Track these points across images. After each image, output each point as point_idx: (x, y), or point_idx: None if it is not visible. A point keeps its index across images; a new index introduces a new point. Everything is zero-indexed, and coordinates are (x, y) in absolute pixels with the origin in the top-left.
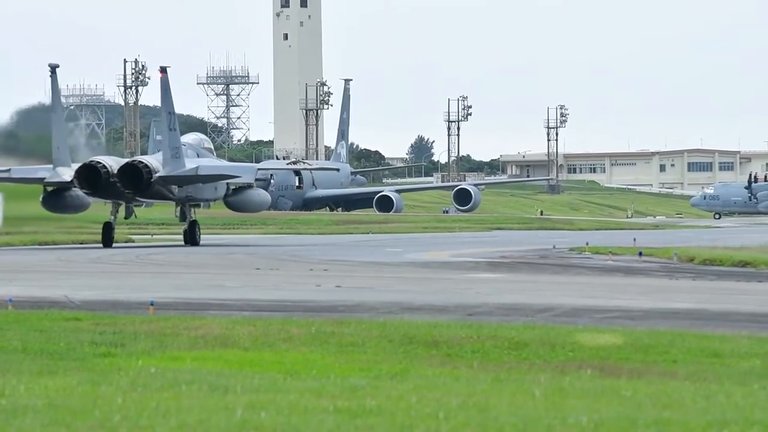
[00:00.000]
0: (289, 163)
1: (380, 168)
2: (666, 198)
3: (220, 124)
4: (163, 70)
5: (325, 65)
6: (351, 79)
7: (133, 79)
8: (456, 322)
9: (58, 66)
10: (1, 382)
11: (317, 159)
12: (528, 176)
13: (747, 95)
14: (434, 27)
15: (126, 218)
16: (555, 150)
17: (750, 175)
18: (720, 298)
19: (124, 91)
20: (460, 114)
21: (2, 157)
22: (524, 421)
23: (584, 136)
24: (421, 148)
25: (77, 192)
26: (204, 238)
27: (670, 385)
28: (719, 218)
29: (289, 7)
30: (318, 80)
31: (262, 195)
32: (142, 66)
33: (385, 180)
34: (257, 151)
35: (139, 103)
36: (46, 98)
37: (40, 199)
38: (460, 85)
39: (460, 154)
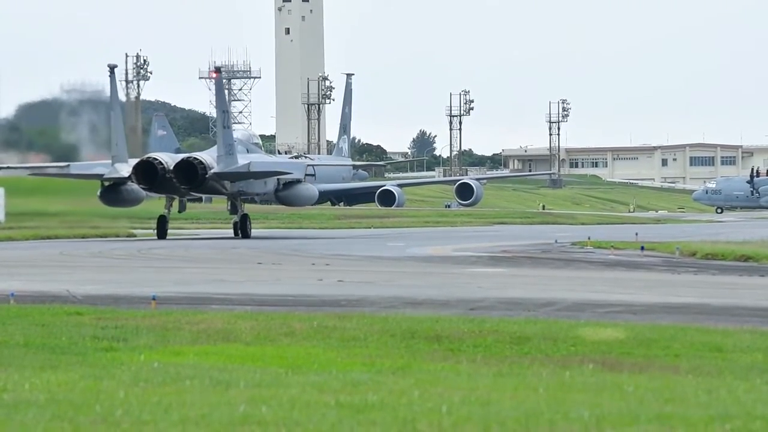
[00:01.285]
0: (291, 158)
1: (382, 163)
2: (668, 192)
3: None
4: (218, 70)
5: (327, 60)
6: (353, 74)
7: (135, 74)
8: (458, 317)
9: (116, 66)
10: (3, 377)
11: (319, 153)
12: (530, 171)
13: (749, 90)
14: (436, 21)
15: (179, 212)
16: (557, 144)
17: (752, 169)
18: (722, 292)
19: (126, 86)
20: (462, 108)
21: (4, 151)
22: (526, 416)
23: (586, 131)
24: (423, 142)
25: (133, 186)
26: (209, 232)
27: (672, 380)
28: (721, 213)
29: (290, 1)
30: (320, 74)
31: (310, 190)
32: (144, 60)
33: (387, 174)
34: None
35: (141, 98)
36: (47, 93)
37: (98, 193)
38: (462, 80)
39: (462, 149)
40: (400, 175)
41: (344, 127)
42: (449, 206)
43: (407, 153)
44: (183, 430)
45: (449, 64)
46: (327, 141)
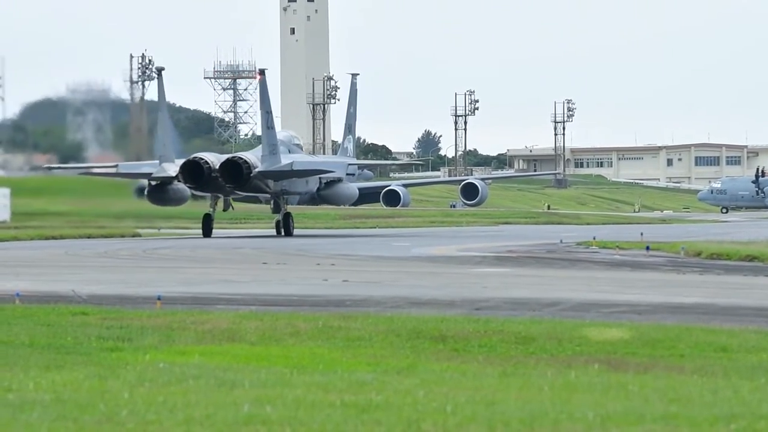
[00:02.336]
0: None
1: (386, 162)
2: (673, 192)
3: (227, 119)
4: (262, 72)
5: (332, 59)
6: (358, 74)
7: (140, 74)
8: (463, 317)
9: (164, 69)
10: (8, 377)
11: (324, 153)
12: (535, 171)
13: (755, 90)
14: (441, 21)
15: (224, 211)
16: (562, 144)
17: (757, 169)
18: (727, 292)
19: (131, 86)
20: (467, 108)
21: (9, 151)
22: (531, 416)
23: (591, 131)
24: (428, 142)
25: (179, 186)
26: (216, 232)
27: (677, 380)
28: (726, 212)
29: (296, 1)
30: (325, 74)
31: (351, 188)
32: (149, 61)
33: (392, 174)
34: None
35: (146, 98)
36: (52, 92)
37: (146, 192)
38: (467, 80)
39: (467, 149)
40: (405, 175)
41: (349, 127)
42: (454, 206)
43: (412, 153)
44: (188, 429)
45: (454, 64)
46: (332, 141)
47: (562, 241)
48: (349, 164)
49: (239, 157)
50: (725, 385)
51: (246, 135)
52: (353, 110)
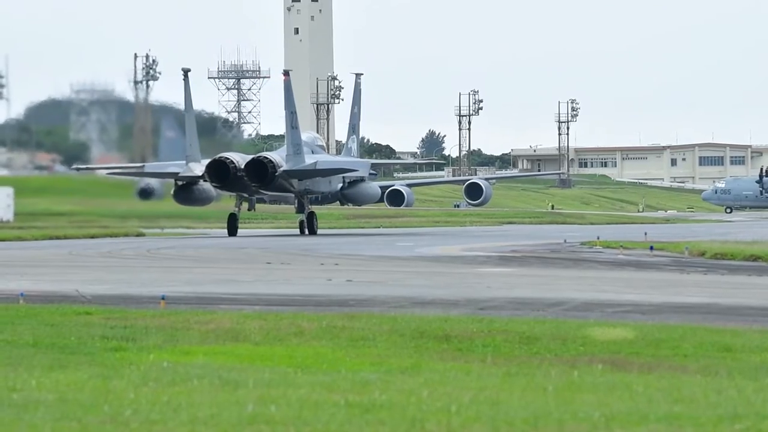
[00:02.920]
0: None
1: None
2: (677, 192)
3: (231, 119)
4: (286, 73)
5: (336, 59)
6: (362, 73)
7: (144, 74)
8: (467, 317)
9: (189, 70)
10: (12, 377)
11: (327, 153)
12: (539, 170)
13: (759, 89)
14: (445, 21)
15: (249, 210)
16: (566, 144)
17: (761, 169)
18: (731, 292)
19: (135, 86)
20: (471, 108)
21: (14, 150)
22: (535, 416)
23: (595, 131)
24: (432, 142)
25: (204, 186)
26: (216, 233)
27: (681, 380)
28: (730, 212)
29: (300, 1)
30: (329, 74)
31: (374, 188)
32: (153, 61)
33: (396, 174)
34: (268, 145)
35: (150, 99)
36: (56, 92)
37: (172, 192)
38: (471, 80)
39: (471, 149)
40: (409, 174)
41: (353, 127)
42: (458, 206)
43: (416, 153)
44: (192, 429)
45: (458, 64)
46: (336, 141)
47: (566, 241)
48: (373, 164)
49: (264, 157)
50: (729, 385)
51: (250, 135)
52: (357, 110)
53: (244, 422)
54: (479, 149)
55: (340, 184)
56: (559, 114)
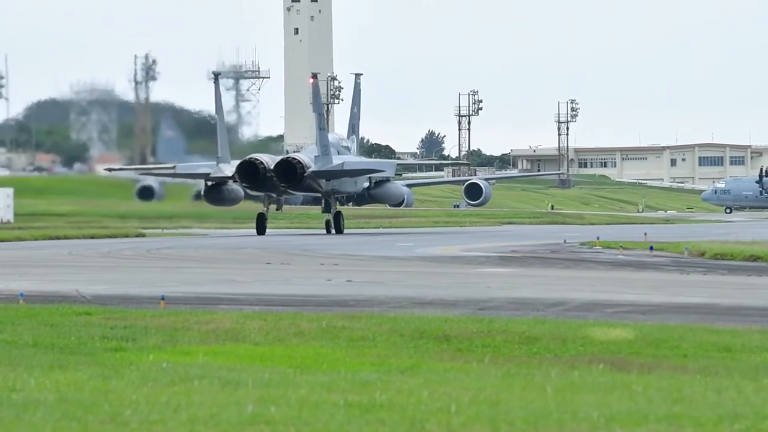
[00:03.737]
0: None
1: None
2: (677, 192)
3: (229, 120)
4: (314, 76)
5: (336, 60)
6: (362, 74)
7: (144, 75)
8: (467, 317)
9: (219, 74)
10: (12, 377)
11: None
12: (539, 171)
13: (758, 90)
14: (444, 21)
15: (277, 210)
16: (566, 144)
17: (761, 169)
18: (731, 292)
19: (135, 86)
20: (470, 108)
21: (13, 150)
22: (535, 416)
23: (595, 131)
24: (432, 142)
25: (233, 186)
26: (216, 233)
27: (681, 380)
28: (730, 213)
29: (299, 1)
30: (328, 74)
31: (399, 188)
32: (153, 61)
33: (396, 174)
34: (267, 147)
35: (150, 99)
36: (56, 92)
37: (202, 192)
38: (471, 80)
39: (471, 149)
40: (409, 175)
41: (353, 127)
42: (458, 206)
43: (416, 153)
44: (192, 429)
45: (458, 64)
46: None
47: (565, 241)
48: (398, 164)
49: (293, 158)
50: (729, 385)
51: (257, 135)
52: (357, 110)
53: (244, 422)
54: (479, 149)
55: (366, 185)
56: (558, 114)
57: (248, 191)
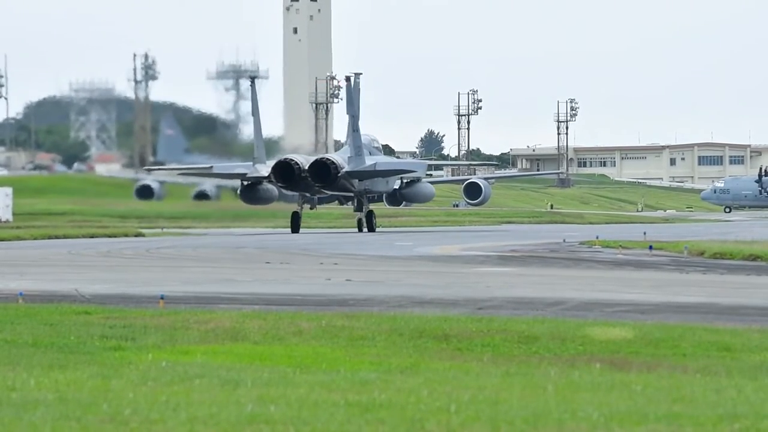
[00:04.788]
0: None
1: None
2: (676, 192)
3: (229, 120)
4: (348, 78)
5: (335, 59)
6: (361, 73)
7: (144, 74)
8: (466, 316)
9: (257, 77)
10: (11, 376)
11: (326, 152)
12: (538, 170)
13: (758, 89)
14: (444, 20)
15: (311, 209)
16: (565, 144)
17: (760, 168)
18: (730, 291)
19: (135, 85)
20: (470, 108)
21: (13, 149)
22: (534, 415)
23: (594, 130)
24: (431, 141)
25: (268, 186)
26: (216, 232)
27: (680, 379)
28: (729, 212)
29: (299, 1)
30: (328, 74)
31: (429, 187)
32: (152, 60)
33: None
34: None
35: (150, 98)
36: (56, 91)
37: (238, 192)
38: (470, 79)
39: (470, 148)
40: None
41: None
42: (457, 206)
43: (415, 152)
44: (191, 429)
45: (457, 63)
46: (335, 140)
47: (565, 241)
48: (429, 164)
49: (327, 158)
50: (728, 384)
51: (249, 135)
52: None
53: (244, 422)
54: (478, 149)
55: (397, 184)
56: (558, 113)
57: (283, 191)
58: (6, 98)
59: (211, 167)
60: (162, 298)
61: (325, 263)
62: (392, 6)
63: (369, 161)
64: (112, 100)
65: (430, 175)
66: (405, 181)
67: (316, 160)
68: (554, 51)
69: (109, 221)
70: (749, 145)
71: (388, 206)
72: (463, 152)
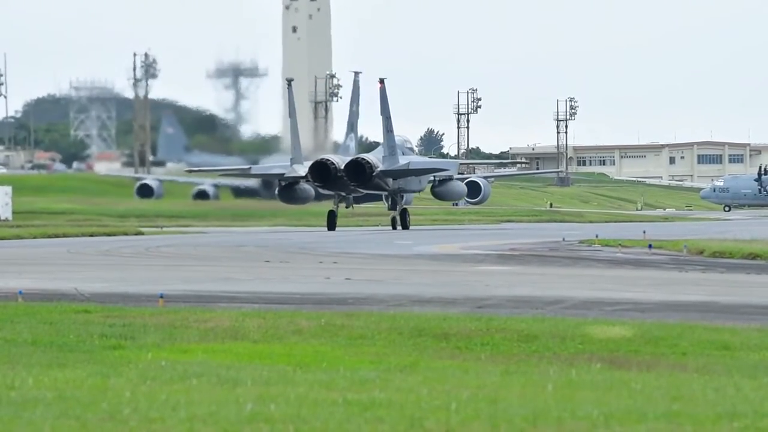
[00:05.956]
0: None
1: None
2: (676, 190)
3: (228, 118)
4: (382, 81)
5: (335, 58)
6: (360, 72)
7: (143, 72)
8: (466, 315)
9: (293, 80)
10: (11, 375)
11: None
12: (537, 169)
13: (757, 87)
14: (443, 19)
15: (346, 208)
16: (564, 142)
17: (760, 167)
18: (730, 290)
19: (134, 83)
20: (469, 106)
21: (12, 149)
22: (534, 414)
23: (594, 129)
24: (431, 140)
25: (305, 185)
26: (218, 230)
27: (679, 378)
28: (729, 211)
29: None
30: (327, 73)
31: (461, 186)
32: (152, 59)
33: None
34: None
35: (149, 97)
36: (55, 90)
37: (276, 192)
38: (470, 78)
39: (470, 147)
40: None
41: (352, 125)
42: (457, 204)
43: (415, 151)
44: (190, 427)
45: (457, 62)
46: (334, 141)
47: (564, 239)
48: (460, 163)
49: (363, 158)
50: (728, 383)
51: (251, 136)
52: (356, 108)
53: (243, 420)
54: (478, 147)
55: (429, 183)
56: (557, 112)
57: (320, 190)
58: (5, 96)
59: (250, 168)
60: (161, 296)
61: (324, 262)
62: (392, 5)
63: (402, 161)
64: (112, 99)
65: (461, 174)
66: (438, 179)
67: (352, 159)
68: (554, 50)
69: (108, 220)
70: (749, 144)
71: (381, 206)
72: (462, 151)
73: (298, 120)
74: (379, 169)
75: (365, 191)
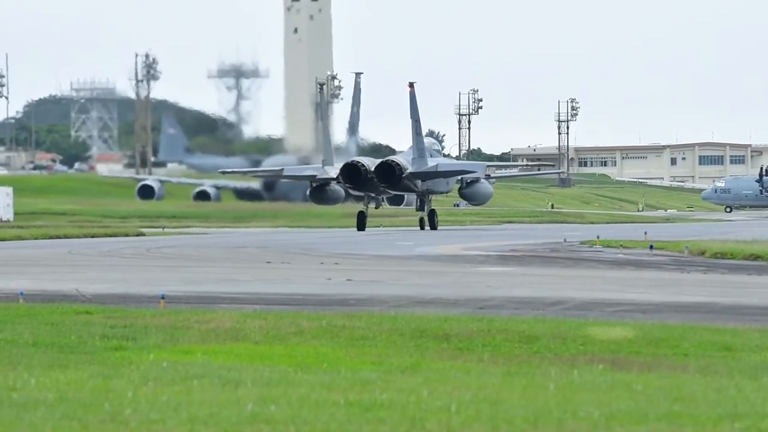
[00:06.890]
0: None
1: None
2: (677, 191)
3: (230, 119)
4: (411, 84)
5: (336, 59)
6: (362, 73)
7: (144, 73)
8: (467, 316)
9: (324, 84)
10: (12, 376)
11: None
12: (539, 170)
13: (759, 88)
14: (444, 20)
15: (375, 208)
16: (566, 143)
17: (761, 168)
18: (731, 291)
19: (136, 84)
20: (470, 107)
21: (13, 149)
22: (535, 415)
23: (595, 130)
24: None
25: (336, 187)
26: (217, 231)
27: (681, 379)
28: (730, 212)
29: (299, 0)
30: (328, 73)
31: (489, 187)
32: (153, 60)
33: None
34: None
35: (151, 97)
36: (56, 90)
37: (308, 192)
38: (471, 79)
39: (471, 148)
40: None
41: (353, 126)
42: (458, 205)
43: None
44: (191, 429)
45: (458, 63)
46: (334, 143)
47: (565, 240)
48: (487, 165)
49: (392, 161)
50: (729, 384)
51: (252, 137)
52: (357, 109)
53: (244, 421)
54: (479, 148)
55: (457, 185)
56: (558, 113)
57: (350, 191)
58: (6, 97)
59: (282, 170)
60: (163, 297)
61: (325, 263)
62: (393, 6)
63: (431, 163)
64: (113, 100)
65: (488, 176)
66: (466, 181)
67: (381, 162)
68: (554, 50)
69: (109, 221)
70: (750, 145)
71: (388, 206)
72: (463, 152)
73: (299, 121)
74: (408, 171)
75: (394, 192)
